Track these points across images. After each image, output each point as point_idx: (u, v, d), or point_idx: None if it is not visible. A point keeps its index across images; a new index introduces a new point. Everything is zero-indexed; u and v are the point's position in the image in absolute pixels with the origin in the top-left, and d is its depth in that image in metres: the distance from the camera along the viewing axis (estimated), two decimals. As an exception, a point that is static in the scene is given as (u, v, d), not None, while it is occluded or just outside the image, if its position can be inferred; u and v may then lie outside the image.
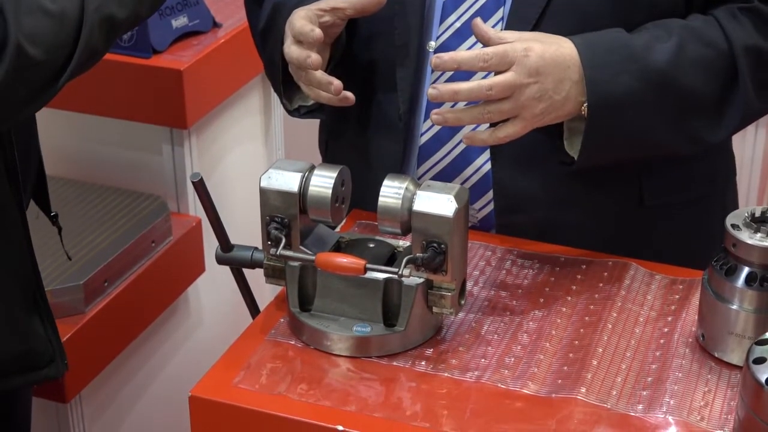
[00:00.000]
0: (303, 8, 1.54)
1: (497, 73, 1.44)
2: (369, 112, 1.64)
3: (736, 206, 1.73)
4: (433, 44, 1.58)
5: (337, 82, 1.52)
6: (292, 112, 1.71)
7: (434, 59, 1.43)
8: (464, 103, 1.56)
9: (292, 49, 1.54)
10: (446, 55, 1.43)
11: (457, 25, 1.56)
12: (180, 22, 2.23)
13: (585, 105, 1.47)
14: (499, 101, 1.43)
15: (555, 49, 1.45)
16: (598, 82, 1.46)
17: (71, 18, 1.35)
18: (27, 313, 1.59)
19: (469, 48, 1.55)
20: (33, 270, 1.60)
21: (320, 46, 1.54)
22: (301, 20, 1.52)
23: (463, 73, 1.55)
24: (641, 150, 1.54)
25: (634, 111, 1.49)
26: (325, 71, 1.55)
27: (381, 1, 1.53)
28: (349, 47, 1.67)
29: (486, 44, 1.45)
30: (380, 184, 1.39)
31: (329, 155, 1.78)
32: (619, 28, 1.51)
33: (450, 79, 1.56)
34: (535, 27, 1.51)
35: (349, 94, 1.54)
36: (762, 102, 1.55)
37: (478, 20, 1.45)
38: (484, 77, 1.52)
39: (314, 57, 1.51)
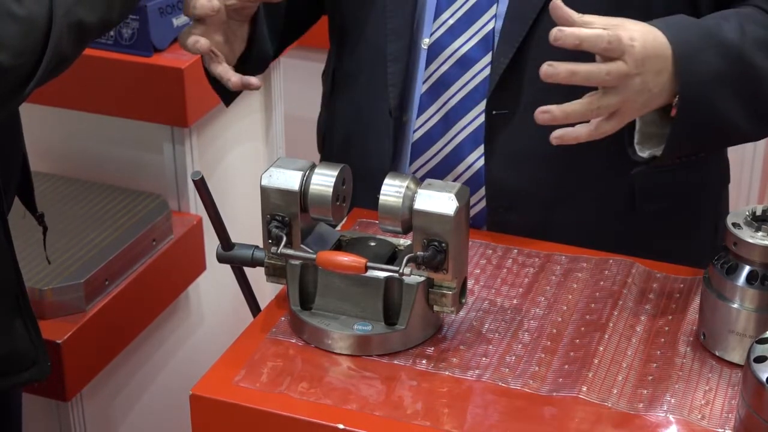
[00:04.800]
0: None
1: (606, 59, 1.37)
2: (361, 108, 1.65)
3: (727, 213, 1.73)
4: (427, 41, 1.58)
5: (235, 80, 1.50)
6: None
7: (556, 31, 1.35)
8: (459, 98, 1.56)
9: (183, 33, 1.52)
10: (568, 30, 1.35)
11: (451, 22, 1.56)
12: (181, 20, 2.23)
13: (678, 97, 1.41)
14: (608, 94, 1.37)
15: (653, 38, 1.39)
16: (688, 61, 1.40)
17: (39, 23, 1.33)
18: (8, 316, 1.57)
19: (461, 46, 1.55)
20: (14, 271, 1.59)
21: (235, 25, 1.52)
22: None
23: (456, 69, 1.55)
24: (722, 137, 1.50)
25: (720, 90, 1.43)
26: (250, 53, 1.55)
27: None
28: (342, 43, 1.67)
29: (568, 26, 1.36)
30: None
31: (326, 150, 1.78)
32: (683, 14, 1.46)
33: (441, 80, 1.57)
34: (533, 26, 1.51)
35: (253, 81, 1.51)
36: None
37: (558, 2, 1.37)
38: (479, 71, 1.52)
39: (202, 42, 1.50)
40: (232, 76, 1.51)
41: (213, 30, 1.53)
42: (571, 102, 1.37)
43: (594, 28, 1.35)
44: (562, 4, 1.36)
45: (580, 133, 1.39)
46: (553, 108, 1.37)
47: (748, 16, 1.48)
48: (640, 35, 1.37)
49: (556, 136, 1.39)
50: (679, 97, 1.41)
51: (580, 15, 1.36)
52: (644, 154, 1.47)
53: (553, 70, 1.35)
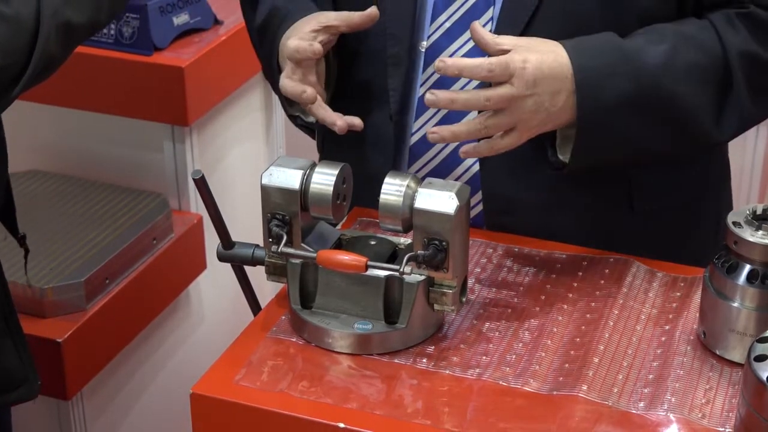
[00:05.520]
0: (293, 34, 1.54)
1: (494, 83, 1.43)
2: (361, 112, 1.64)
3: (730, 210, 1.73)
4: (424, 44, 1.58)
5: (340, 123, 1.53)
6: (289, 116, 1.71)
7: (437, 63, 1.42)
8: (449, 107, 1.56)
9: (285, 83, 1.54)
10: (450, 61, 1.41)
11: (447, 25, 1.56)
12: (181, 19, 2.23)
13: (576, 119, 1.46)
14: (497, 114, 1.43)
15: (552, 59, 1.44)
16: (589, 86, 1.45)
17: (27, 23, 1.33)
18: None
19: (459, 48, 1.55)
20: (2, 291, 1.58)
21: (310, 65, 1.54)
22: (294, 41, 1.52)
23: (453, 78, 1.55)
24: (634, 154, 1.53)
25: (626, 115, 1.47)
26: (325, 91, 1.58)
27: (374, 18, 1.53)
28: (342, 46, 1.67)
29: (483, 49, 1.44)
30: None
31: (326, 153, 1.78)
32: (610, 32, 1.49)
33: (439, 83, 1.57)
34: (526, 29, 1.51)
35: (356, 122, 1.55)
36: (759, 108, 1.54)
37: (476, 24, 1.44)
38: (477, 85, 1.52)
39: (309, 92, 1.52)
40: (337, 120, 1.54)
41: (309, 72, 1.55)
42: (461, 122, 1.46)
43: (501, 48, 1.42)
44: (479, 27, 1.44)
45: (481, 149, 1.46)
46: (442, 129, 1.44)
47: (690, 37, 1.50)
48: (536, 57, 1.42)
49: (462, 151, 1.47)
50: (577, 122, 1.46)
51: (494, 36, 1.44)
52: (564, 156, 1.51)
53: (434, 98, 1.43)
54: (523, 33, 1.51)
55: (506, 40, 1.44)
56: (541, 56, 1.43)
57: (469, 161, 1.58)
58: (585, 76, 1.45)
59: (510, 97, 1.41)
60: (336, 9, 1.67)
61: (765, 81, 1.52)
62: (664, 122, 1.50)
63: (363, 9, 1.58)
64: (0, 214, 1.65)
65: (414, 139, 1.61)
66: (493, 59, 1.41)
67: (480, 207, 1.60)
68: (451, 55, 1.55)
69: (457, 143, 1.57)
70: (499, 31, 1.52)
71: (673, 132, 1.51)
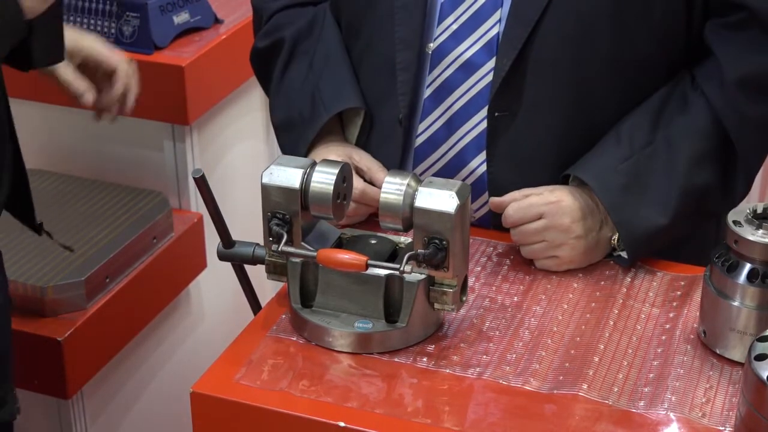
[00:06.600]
0: (331, 153, 1.62)
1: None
2: (369, 116, 1.64)
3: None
4: (431, 46, 1.58)
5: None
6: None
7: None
8: (462, 103, 1.56)
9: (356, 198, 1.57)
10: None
11: (454, 27, 1.56)
12: (182, 18, 2.23)
13: (616, 238, 1.55)
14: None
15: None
16: (625, 226, 1.51)
17: None
18: None
19: (466, 50, 1.55)
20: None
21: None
22: (361, 187, 1.59)
23: (460, 74, 1.55)
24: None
25: (665, 233, 1.53)
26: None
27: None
28: (349, 52, 1.67)
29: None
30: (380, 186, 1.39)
31: None
32: (615, 141, 1.54)
33: (445, 84, 1.57)
34: (535, 28, 1.51)
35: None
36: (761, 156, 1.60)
37: (493, 199, 1.54)
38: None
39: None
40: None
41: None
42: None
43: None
44: (497, 200, 1.54)
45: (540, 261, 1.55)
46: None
47: (686, 126, 1.53)
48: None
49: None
50: (627, 251, 1.54)
51: (521, 191, 1.54)
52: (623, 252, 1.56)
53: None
54: (533, 31, 1.51)
55: (529, 191, 1.54)
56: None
57: (474, 162, 1.58)
58: (618, 215, 1.52)
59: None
60: (336, 9, 1.67)
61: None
62: (703, 211, 1.58)
63: (362, 9, 1.58)
64: (14, 206, 1.63)
65: (419, 141, 1.60)
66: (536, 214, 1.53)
67: (487, 208, 1.60)
68: (456, 58, 1.55)
69: (462, 146, 1.57)
70: (508, 30, 1.52)
71: (701, 214, 1.59)
